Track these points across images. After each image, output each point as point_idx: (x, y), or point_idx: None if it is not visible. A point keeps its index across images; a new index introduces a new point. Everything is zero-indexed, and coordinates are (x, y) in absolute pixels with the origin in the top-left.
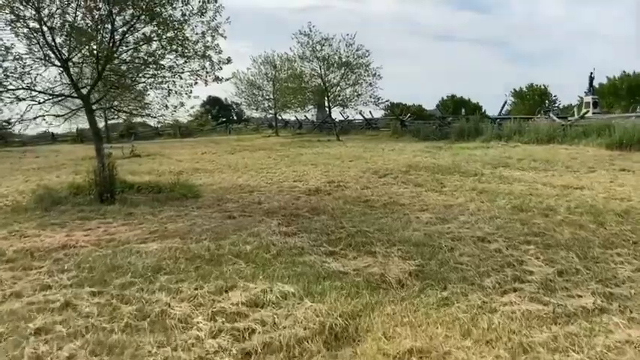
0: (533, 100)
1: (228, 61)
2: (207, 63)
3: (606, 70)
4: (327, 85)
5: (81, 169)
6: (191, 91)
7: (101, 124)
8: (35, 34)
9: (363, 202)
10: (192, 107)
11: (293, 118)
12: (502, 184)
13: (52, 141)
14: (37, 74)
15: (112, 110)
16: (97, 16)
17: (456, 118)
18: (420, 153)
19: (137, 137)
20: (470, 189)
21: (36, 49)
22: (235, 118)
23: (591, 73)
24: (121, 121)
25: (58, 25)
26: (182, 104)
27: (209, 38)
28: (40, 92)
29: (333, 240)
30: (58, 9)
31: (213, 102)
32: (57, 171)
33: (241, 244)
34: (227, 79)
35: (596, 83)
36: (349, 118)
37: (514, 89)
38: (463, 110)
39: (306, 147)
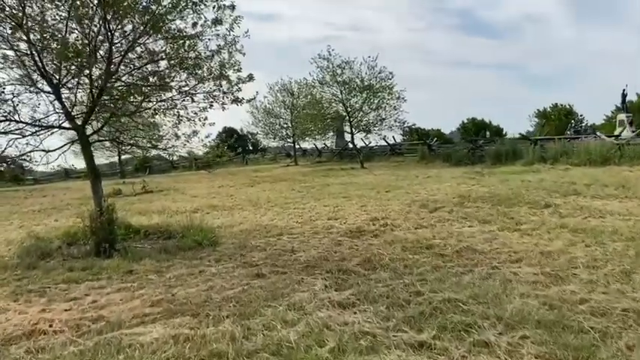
0: (559, 121)
1: (250, 78)
2: (225, 82)
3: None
4: (349, 110)
5: (85, 211)
6: (206, 118)
7: (114, 159)
8: (21, 57)
9: (426, 249)
10: (207, 136)
11: (311, 146)
12: (591, 219)
13: (66, 178)
14: (19, 102)
15: (116, 143)
16: (88, 29)
17: (492, 140)
18: (463, 180)
19: (152, 171)
20: (556, 226)
21: (20, 74)
22: (251, 148)
23: (624, 90)
24: (137, 154)
25: (50, 46)
26: (195, 133)
27: (225, 55)
28: (21, 123)
29: (414, 317)
30: (48, 28)
31: (228, 132)
32: (58, 213)
33: (279, 327)
34: (249, 100)
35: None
36: (371, 144)
37: (538, 110)
38: (487, 133)
39: (331, 176)
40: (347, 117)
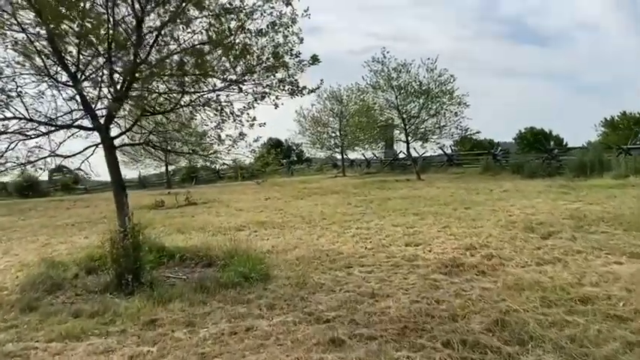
0: (629, 129)
1: (314, 60)
2: (281, 72)
3: None
4: (405, 116)
5: (110, 230)
6: (254, 118)
7: (163, 169)
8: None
9: (581, 303)
10: (255, 140)
11: (359, 157)
12: None
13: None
14: (23, 92)
15: (148, 147)
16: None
17: (566, 150)
18: (556, 195)
19: (198, 181)
20: None
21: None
22: (296, 158)
23: None
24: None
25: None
26: (242, 136)
27: (280, 37)
28: (33, 121)
29: None
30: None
31: (274, 144)
32: (91, 228)
33: None
34: (313, 90)
35: None
36: (425, 154)
37: (605, 118)
38: (552, 142)
39: (387, 189)
40: (402, 124)
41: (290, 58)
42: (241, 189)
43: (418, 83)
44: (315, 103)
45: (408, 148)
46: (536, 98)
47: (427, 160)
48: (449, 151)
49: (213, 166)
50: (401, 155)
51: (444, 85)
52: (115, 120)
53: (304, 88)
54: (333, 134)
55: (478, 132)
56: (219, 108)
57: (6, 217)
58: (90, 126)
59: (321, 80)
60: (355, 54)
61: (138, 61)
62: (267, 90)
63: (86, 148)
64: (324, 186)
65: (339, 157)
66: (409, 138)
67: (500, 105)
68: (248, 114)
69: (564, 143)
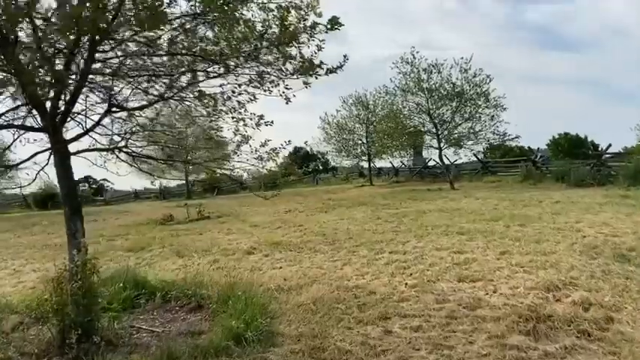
0: None
1: (333, 25)
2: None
3: None
4: (437, 121)
5: (116, 245)
6: (261, 116)
7: (181, 181)
8: None
9: None
10: (263, 144)
11: (387, 165)
12: None
13: (135, 198)
14: None
15: (134, 156)
16: None
17: (614, 155)
18: (623, 208)
19: (220, 192)
20: None
21: None
22: (321, 167)
23: None
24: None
25: None
26: (246, 139)
27: (292, 12)
28: None
29: None
30: None
31: (299, 152)
32: (90, 246)
33: None
34: (332, 71)
35: None
36: (457, 161)
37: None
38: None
39: (420, 199)
40: (433, 129)
41: (306, 36)
42: (261, 201)
43: (451, 85)
44: (340, 109)
45: (440, 155)
46: (566, 104)
47: (459, 167)
48: (470, 159)
49: (217, 175)
50: (431, 163)
51: (479, 86)
52: (78, 119)
53: (319, 65)
54: (359, 141)
55: (517, 137)
56: (211, 102)
57: (6, 232)
58: (35, 125)
59: (345, 57)
60: (380, 62)
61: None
62: (267, 70)
63: (34, 155)
64: (350, 196)
65: (365, 165)
66: (441, 144)
67: (528, 111)
68: (253, 113)
69: (600, 149)
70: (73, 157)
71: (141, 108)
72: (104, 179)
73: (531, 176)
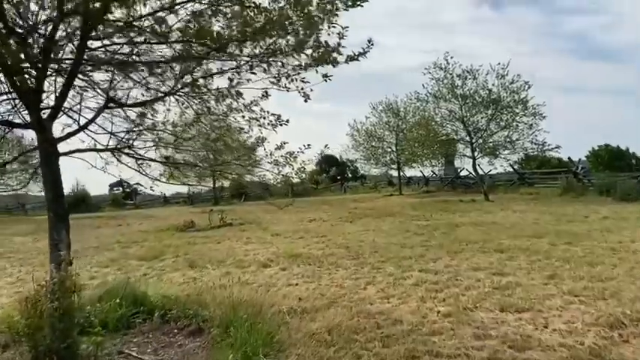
0: None
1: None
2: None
3: None
4: (471, 129)
5: (130, 253)
6: (279, 117)
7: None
8: None
9: None
10: (279, 147)
11: (417, 174)
12: None
13: (164, 203)
14: None
15: (136, 158)
16: None
17: None
18: None
19: (248, 198)
20: None
21: None
22: (350, 175)
23: None
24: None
25: None
26: (261, 141)
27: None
28: None
29: None
30: None
31: (327, 160)
32: (92, 258)
33: None
34: (356, 57)
35: None
36: (491, 172)
37: None
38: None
39: (451, 211)
40: (468, 137)
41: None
42: (288, 208)
43: (487, 92)
44: (369, 116)
45: (474, 164)
46: (604, 115)
47: (493, 178)
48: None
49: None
50: (463, 172)
51: (517, 93)
52: (70, 114)
53: (336, 49)
54: (389, 149)
55: (558, 147)
56: (221, 98)
57: (27, 236)
58: (21, 122)
59: (369, 41)
60: (411, 70)
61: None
62: (282, 61)
63: (20, 155)
64: (378, 206)
65: (394, 174)
66: (475, 153)
67: (564, 122)
68: (267, 111)
69: None
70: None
71: (142, 104)
72: (137, 183)
73: (572, 189)
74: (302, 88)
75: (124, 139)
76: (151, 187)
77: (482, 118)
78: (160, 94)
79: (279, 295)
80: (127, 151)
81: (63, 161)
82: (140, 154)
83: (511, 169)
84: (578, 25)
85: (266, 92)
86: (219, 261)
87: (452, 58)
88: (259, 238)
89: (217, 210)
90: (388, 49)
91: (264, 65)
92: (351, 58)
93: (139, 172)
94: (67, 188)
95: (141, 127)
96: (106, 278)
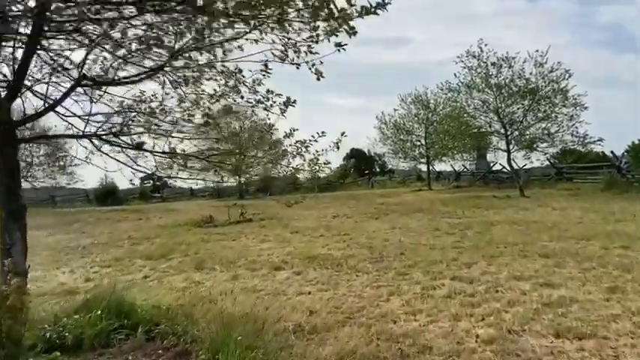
0: None
1: None
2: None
3: None
4: (506, 121)
5: (138, 250)
6: (289, 100)
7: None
8: None
9: None
10: (288, 135)
11: (447, 168)
12: None
13: (190, 196)
14: None
15: (122, 147)
16: None
17: None
18: None
19: (274, 192)
20: None
21: None
22: (378, 170)
23: None
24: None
25: None
26: (269, 128)
27: None
28: None
29: None
30: None
31: (355, 154)
32: (97, 255)
33: None
34: (374, 10)
35: None
36: (526, 166)
37: None
38: None
39: (484, 208)
40: (503, 130)
41: None
42: (312, 202)
43: (524, 81)
44: (397, 108)
45: (509, 158)
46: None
47: (528, 172)
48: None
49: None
50: (496, 167)
51: (557, 82)
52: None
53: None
54: (418, 142)
55: (600, 140)
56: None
57: (41, 230)
58: None
59: None
60: (435, 65)
61: None
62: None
63: None
64: (405, 201)
65: (423, 168)
66: (510, 146)
67: (600, 116)
68: (272, 92)
69: None
70: None
71: (125, 83)
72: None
73: (615, 184)
74: (313, 64)
75: (104, 126)
76: (175, 180)
77: (518, 109)
78: (146, 71)
79: (288, 307)
80: (111, 139)
81: None
82: (126, 143)
83: (547, 163)
84: (612, 16)
85: (266, 65)
86: (230, 262)
87: (486, 45)
88: (277, 235)
89: (240, 205)
90: (418, 44)
91: (269, 33)
92: (367, 11)
93: (125, 164)
94: (95, 181)
95: (122, 111)
96: (103, 281)
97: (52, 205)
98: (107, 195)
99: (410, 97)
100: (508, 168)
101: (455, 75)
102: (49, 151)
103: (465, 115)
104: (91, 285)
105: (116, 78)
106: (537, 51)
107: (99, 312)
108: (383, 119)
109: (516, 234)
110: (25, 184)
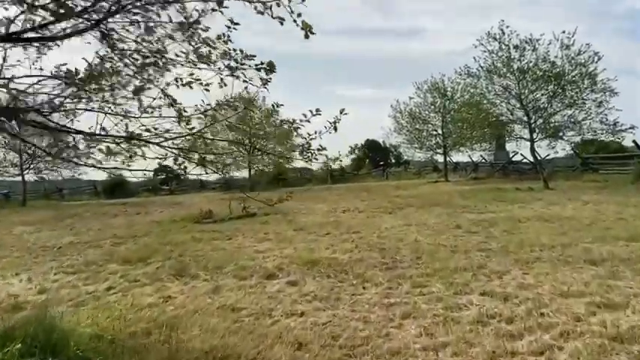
0: None
1: None
2: None
3: None
4: (529, 108)
5: (117, 252)
6: (270, 64)
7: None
8: None
9: None
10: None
11: (465, 159)
12: None
13: (200, 188)
14: None
15: (60, 130)
16: None
17: None
18: None
19: (287, 184)
20: None
21: None
22: (394, 161)
23: None
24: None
25: None
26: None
27: None
28: None
29: None
30: None
31: (370, 145)
32: (74, 256)
33: None
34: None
35: None
36: (549, 156)
37: None
38: None
39: (508, 201)
40: (526, 117)
41: None
42: (325, 194)
43: (549, 64)
44: (413, 96)
45: (532, 147)
46: None
47: (551, 163)
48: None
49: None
50: (516, 157)
51: (584, 66)
52: None
53: None
54: (434, 132)
55: (632, 128)
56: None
57: (29, 226)
58: None
59: None
60: (453, 55)
61: None
62: None
63: None
64: (422, 194)
65: (440, 159)
66: (534, 135)
67: (622, 105)
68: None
69: None
70: None
71: (61, 38)
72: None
73: None
74: (299, 14)
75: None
76: (185, 172)
77: (542, 94)
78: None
79: (271, 334)
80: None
81: None
82: (59, 124)
83: (570, 154)
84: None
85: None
86: (217, 267)
87: (507, 27)
88: (278, 233)
89: (250, 196)
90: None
91: None
92: None
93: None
94: (104, 174)
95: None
96: (59, 293)
97: (58, 198)
98: (115, 187)
99: (426, 84)
100: (531, 158)
101: (474, 59)
102: (51, 142)
103: (485, 102)
104: (43, 298)
105: (48, 34)
106: (564, 32)
107: (18, 345)
108: (398, 108)
109: (550, 233)
110: (28, 177)
